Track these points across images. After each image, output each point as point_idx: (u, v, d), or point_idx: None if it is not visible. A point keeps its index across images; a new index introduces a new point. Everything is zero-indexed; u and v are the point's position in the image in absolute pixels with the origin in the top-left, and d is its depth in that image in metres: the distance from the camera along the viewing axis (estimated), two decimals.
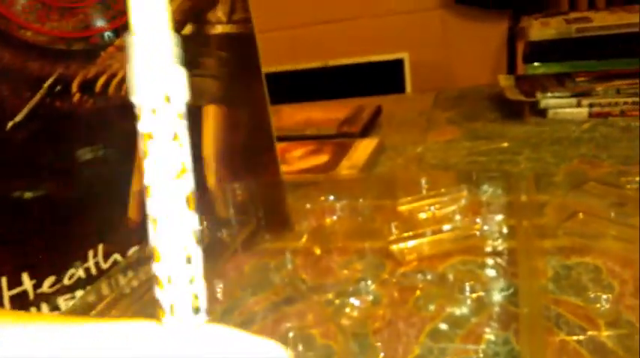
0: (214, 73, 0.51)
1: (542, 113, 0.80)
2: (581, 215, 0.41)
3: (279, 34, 1.32)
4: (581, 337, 0.38)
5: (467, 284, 0.39)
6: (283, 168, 0.76)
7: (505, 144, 0.73)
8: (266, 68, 0.55)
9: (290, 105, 0.87)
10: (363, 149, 0.74)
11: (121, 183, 0.50)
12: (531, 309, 0.32)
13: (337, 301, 0.39)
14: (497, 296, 0.40)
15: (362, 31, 1.32)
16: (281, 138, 0.77)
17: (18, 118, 0.44)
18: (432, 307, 0.40)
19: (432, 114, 0.89)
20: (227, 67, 0.51)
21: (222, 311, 0.46)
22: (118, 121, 0.48)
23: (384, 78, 1.23)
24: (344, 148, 0.74)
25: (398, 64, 1.23)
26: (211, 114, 0.51)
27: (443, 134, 0.80)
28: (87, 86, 0.46)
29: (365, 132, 0.79)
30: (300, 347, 0.38)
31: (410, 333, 0.36)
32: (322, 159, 0.73)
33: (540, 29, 0.81)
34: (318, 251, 0.42)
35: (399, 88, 1.21)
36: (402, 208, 0.44)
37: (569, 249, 0.43)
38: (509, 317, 0.39)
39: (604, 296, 0.39)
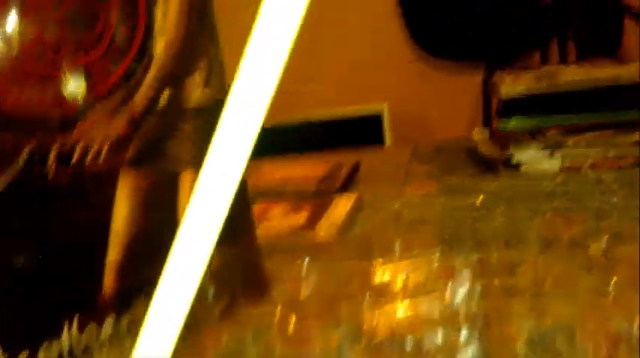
0: (191, 137, 0.51)
1: (516, 166, 0.81)
2: (549, 278, 0.42)
3: None
4: None
5: (440, 350, 0.39)
6: (264, 225, 0.76)
7: (480, 199, 0.74)
8: None
9: (270, 161, 0.88)
10: (341, 206, 0.75)
11: (96, 253, 0.50)
12: None
13: None
14: None
15: (340, 84, 1.35)
16: (262, 195, 0.78)
17: None
18: None
19: (410, 167, 0.90)
20: (203, 131, 0.52)
21: None
22: (93, 192, 0.48)
23: (363, 130, 1.25)
24: (323, 206, 0.75)
25: (376, 117, 1.25)
26: (188, 180, 0.51)
27: (420, 188, 0.81)
28: (63, 158, 0.47)
29: (344, 189, 0.81)
30: None
31: None
32: (301, 217, 0.73)
33: (511, 85, 0.84)
34: (293, 320, 0.43)
35: (379, 139, 1.23)
36: (377, 274, 0.45)
37: (541, 312, 0.44)
38: None
39: None
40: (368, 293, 0.43)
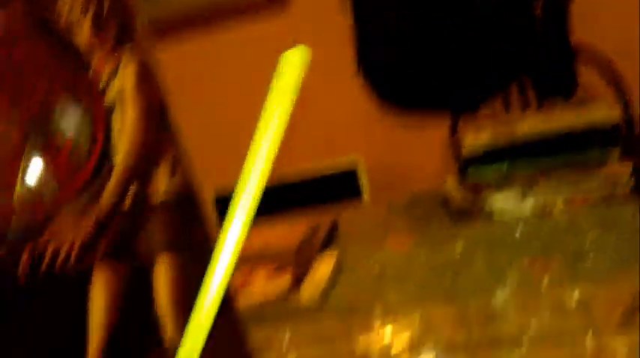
0: (161, 229, 0.52)
1: (489, 215, 0.83)
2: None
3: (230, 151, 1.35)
4: None
5: None
6: (248, 290, 0.76)
7: (458, 249, 0.75)
8: (220, 188, 0.56)
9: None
10: (323, 267, 0.75)
11: (76, 348, 0.49)
12: None
13: None
14: None
15: (312, 139, 1.37)
16: (243, 260, 0.78)
17: None
18: None
19: (388, 221, 0.91)
20: (173, 225, 0.52)
21: None
22: (66, 291, 0.48)
23: (340, 185, 1.27)
24: (305, 267, 0.76)
25: (352, 171, 1.26)
26: (162, 271, 0.52)
27: (399, 243, 0.81)
28: (34, 260, 0.47)
29: (324, 247, 0.81)
30: None
31: None
32: (285, 280, 0.74)
33: (474, 137, 0.86)
34: None
35: (356, 191, 1.24)
36: (359, 340, 0.45)
37: None
38: None
39: None
40: None
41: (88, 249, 0.48)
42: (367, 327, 0.51)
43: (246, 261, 0.79)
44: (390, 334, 0.48)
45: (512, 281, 0.62)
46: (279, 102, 0.28)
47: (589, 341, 0.46)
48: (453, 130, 0.93)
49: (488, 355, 0.45)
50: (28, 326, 0.46)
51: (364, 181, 1.26)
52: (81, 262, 0.47)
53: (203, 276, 0.55)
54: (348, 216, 0.95)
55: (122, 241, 0.50)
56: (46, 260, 0.46)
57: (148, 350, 0.51)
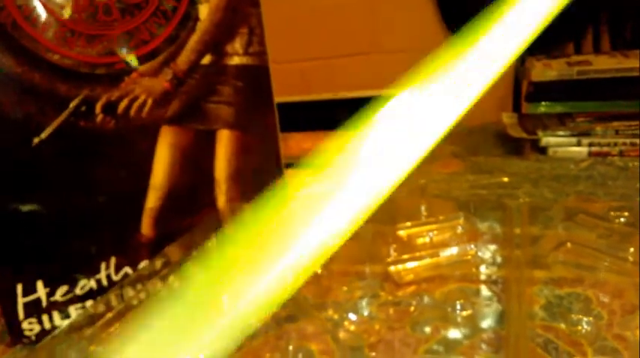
0: (229, 100, 0.54)
1: (542, 150, 0.82)
2: (569, 244, 0.43)
3: (292, 66, 1.35)
4: None
5: (460, 307, 0.41)
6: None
7: (505, 179, 0.75)
8: (277, 98, 0.58)
9: (298, 133, 0.90)
10: None
11: (136, 200, 0.52)
12: (518, 333, 0.34)
13: (336, 316, 0.41)
14: (488, 321, 0.41)
15: (371, 66, 1.36)
16: (288, 165, 0.80)
17: (43, 135, 0.47)
18: (427, 329, 0.42)
19: (437, 146, 0.91)
20: (241, 95, 0.54)
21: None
22: (136, 142, 0.50)
23: None
24: None
25: None
26: (225, 139, 0.54)
27: (446, 166, 0.82)
28: (110, 108, 0.49)
29: None
30: None
31: (404, 351, 0.38)
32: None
33: (542, 70, 0.84)
34: (319, 271, 0.45)
35: None
36: (401, 233, 0.46)
37: (561, 280, 0.45)
38: (499, 341, 0.40)
39: (592, 324, 0.41)
40: (392, 248, 0.45)
41: (159, 106, 0.50)
42: (410, 227, 0.52)
43: (291, 164, 0.81)
44: (432, 233, 0.50)
45: (557, 210, 0.62)
46: None
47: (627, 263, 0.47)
48: (520, 65, 0.91)
49: (527, 271, 0.46)
50: (95, 168, 0.49)
51: None
52: (151, 119, 0.49)
53: (263, 154, 0.57)
54: None
55: (192, 104, 0.52)
56: (121, 109, 0.49)
57: (200, 210, 0.53)
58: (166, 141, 0.53)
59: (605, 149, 0.78)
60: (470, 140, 0.93)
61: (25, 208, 0.47)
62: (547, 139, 0.81)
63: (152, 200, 0.53)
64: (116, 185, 0.50)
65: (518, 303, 0.37)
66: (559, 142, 0.81)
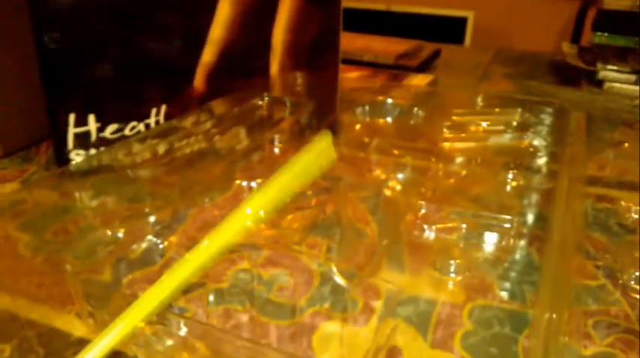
0: None
1: (598, 83, 0.80)
2: (626, 145, 0.42)
3: None
4: (599, 263, 0.40)
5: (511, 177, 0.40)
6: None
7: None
8: None
9: (351, 33, 0.88)
10: (416, 83, 0.75)
11: (193, 52, 0.52)
12: (564, 226, 0.34)
13: (383, 176, 0.42)
14: (535, 197, 0.41)
15: None
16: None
17: None
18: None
19: (489, 67, 0.89)
20: None
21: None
22: None
23: (445, 32, 1.23)
24: (398, 79, 0.76)
25: (461, 21, 1.22)
26: (287, 6, 0.53)
27: (496, 85, 0.81)
28: None
29: (421, 69, 0.81)
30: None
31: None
32: (376, 83, 0.74)
33: (613, 1, 0.81)
34: (366, 140, 0.45)
35: (459, 42, 1.21)
36: (456, 118, 0.46)
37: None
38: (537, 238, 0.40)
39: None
40: (445, 127, 0.44)
41: None
42: (464, 112, 0.51)
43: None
44: (487, 123, 0.49)
45: (608, 138, 0.61)
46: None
47: None
48: None
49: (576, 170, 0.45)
50: (154, 19, 0.49)
51: (469, 34, 1.22)
52: None
53: (323, 28, 0.56)
54: (451, 51, 0.94)
55: None
56: None
57: (252, 74, 0.53)
58: None
59: None
60: (522, 64, 0.91)
61: (89, 44, 0.47)
62: (605, 73, 0.79)
63: (208, 54, 0.52)
64: (177, 32, 0.50)
65: (567, 203, 0.36)
66: (616, 77, 0.79)
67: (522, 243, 0.39)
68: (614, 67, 0.79)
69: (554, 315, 0.24)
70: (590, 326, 0.33)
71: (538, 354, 0.25)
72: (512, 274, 0.37)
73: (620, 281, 0.37)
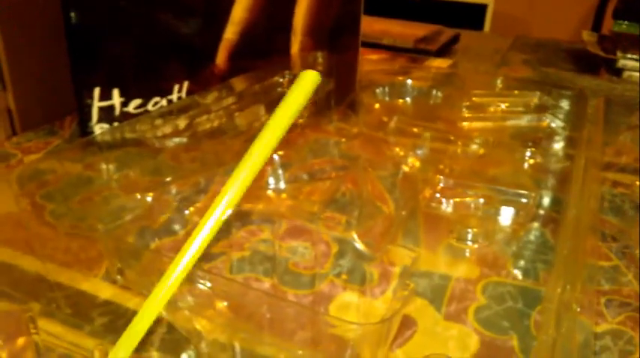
0: None
1: (617, 72, 0.79)
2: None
3: None
4: (613, 244, 0.40)
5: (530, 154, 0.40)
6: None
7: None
8: None
9: (371, 17, 0.88)
10: (435, 65, 0.76)
11: (215, 30, 0.53)
12: (580, 206, 0.34)
13: (402, 153, 0.42)
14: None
15: None
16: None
17: None
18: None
19: (508, 53, 0.89)
20: None
21: (280, 163, 0.49)
22: None
23: (465, 19, 1.23)
24: (417, 63, 0.76)
25: (481, 8, 1.22)
26: None
27: (515, 71, 0.80)
28: None
29: (440, 53, 0.81)
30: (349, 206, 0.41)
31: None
32: (394, 65, 0.75)
33: None
34: (385, 119, 0.45)
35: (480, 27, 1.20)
36: (475, 99, 0.46)
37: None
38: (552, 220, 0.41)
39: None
40: (464, 106, 0.45)
41: None
42: (483, 93, 0.51)
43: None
44: (506, 105, 0.49)
45: (624, 123, 0.61)
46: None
47: None
48: None
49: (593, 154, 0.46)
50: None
51: (489, 22, 1.22)
52: None
53: (344, 11, 0.56)
54: (469, 37, 0.93)
55: None
56: None
57: (272, 54, 0.54)
58: None
59: None
60: (541, 52, 0.91)
61: (114, 21, 0.48)
62: (624, 61, 0.79)
63: (230, 32, 0.53)
64: (199, 11, 0.51)
65: (583, 186, 0.37)
66: (636, 66, 0.78)
67: (537, 224, 0.40)
68: (634, 56, 0.78)
69: (567, 287, 0.25)
70: (602, 304, 0.34)
71: (550, 327, 0.26)
72: (527, 253, 0.37)
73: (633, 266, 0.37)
